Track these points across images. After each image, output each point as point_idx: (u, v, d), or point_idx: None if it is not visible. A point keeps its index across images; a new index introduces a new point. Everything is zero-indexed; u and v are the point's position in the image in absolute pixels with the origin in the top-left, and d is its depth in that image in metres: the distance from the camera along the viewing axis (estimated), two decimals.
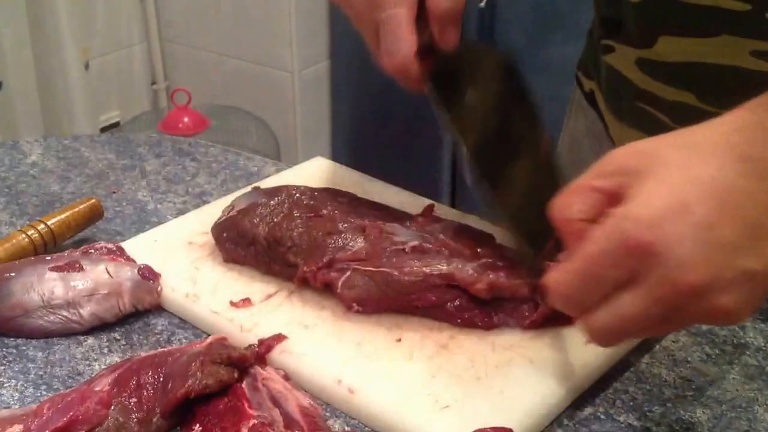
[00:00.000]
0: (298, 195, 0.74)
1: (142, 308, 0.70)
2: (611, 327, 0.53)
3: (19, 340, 0.68)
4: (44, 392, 0.62)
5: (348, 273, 0.66)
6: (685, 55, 0.75)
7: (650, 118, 0.81)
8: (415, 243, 0.67)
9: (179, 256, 0.75)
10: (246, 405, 0.57)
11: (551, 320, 0.64)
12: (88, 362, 0.65)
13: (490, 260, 0.66)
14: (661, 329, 0.58)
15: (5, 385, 0.63)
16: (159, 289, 0.70)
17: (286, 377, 0.61)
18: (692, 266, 0.50)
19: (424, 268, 0.66)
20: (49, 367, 0.65)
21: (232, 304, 0.68)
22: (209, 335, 0.65)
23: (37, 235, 0.75)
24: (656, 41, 0.76)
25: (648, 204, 0.51)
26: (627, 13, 0.80)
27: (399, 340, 0.64)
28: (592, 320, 0.53)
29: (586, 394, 0.61)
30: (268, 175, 0.89)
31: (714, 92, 0.75)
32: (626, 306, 0.52)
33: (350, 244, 0.68)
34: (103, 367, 0.64)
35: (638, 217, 0.50)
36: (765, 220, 0.51)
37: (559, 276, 0.54)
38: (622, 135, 0.87)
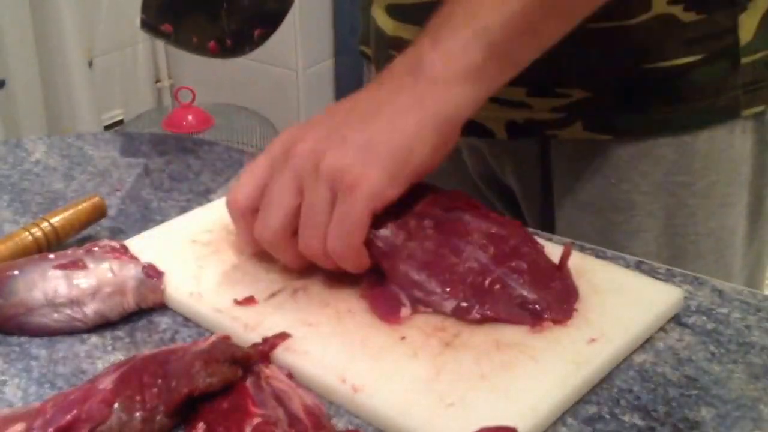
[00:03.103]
0: None
1: (146, 306, 0.70)
2: (267, 218, 0.66)
3: (23, 339, 0.68)
4: (47, 390, 0.62)
5: None
6: None
7: None
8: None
9: (183, 255, 0.75)
10: (250, 403, 0.56)
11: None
12: (91, 360, 0.65)
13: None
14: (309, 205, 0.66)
15: (8, 383, 0.63)
16: (163, 287, 0.70)
17: (290, 376, 0.61)
18: (307, 139, 0.66)
19: None
20: (52, 365, 0.65)
21: (236, 302, 0.68)
22: (213, 333, 0.65)
23: (40, 233, 0.75)
24: None
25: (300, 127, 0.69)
26: None
27: (403, 338, 0.64)
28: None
29: (591, 393, 0.61)
30: None
31: None
32: (273, 186, 0.66)
33: None
34: (106, 365, 0.64)
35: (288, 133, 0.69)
36: (371, 109, 0.67)
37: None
38: None
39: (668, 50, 0.79)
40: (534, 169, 0.89)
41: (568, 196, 0.87)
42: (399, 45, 0.87)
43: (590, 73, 0.81)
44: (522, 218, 0.93)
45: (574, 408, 0.60)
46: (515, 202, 0.94)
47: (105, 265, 0.70)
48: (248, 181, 0.68)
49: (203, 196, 0.89)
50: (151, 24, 0.86)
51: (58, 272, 0.69)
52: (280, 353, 0.63)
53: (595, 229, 0.85)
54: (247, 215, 0.68)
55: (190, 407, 0.57)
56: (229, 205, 0.69)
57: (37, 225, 0.76)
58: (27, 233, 0.75)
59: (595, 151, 0.84)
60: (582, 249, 0.76)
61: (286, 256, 0.69)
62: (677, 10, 0.77)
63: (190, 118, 2.20)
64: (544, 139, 0.86)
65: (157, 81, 2.52)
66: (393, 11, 0.87)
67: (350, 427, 0.59)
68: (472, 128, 0.86)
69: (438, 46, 0.67)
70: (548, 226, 0.88)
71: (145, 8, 0.86)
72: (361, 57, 1.02)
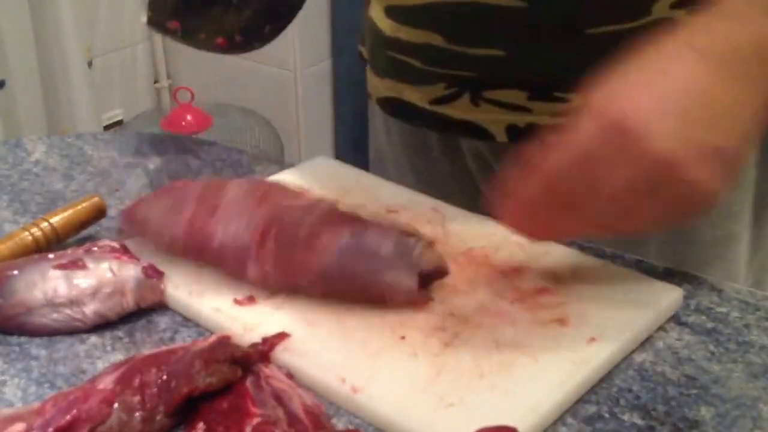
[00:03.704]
0: None
1: (146, 306, 0.70)
2: (599, 206, 0.60)
3: (23, 338, 0.68)
4: (47, 390, 0.62)
5: None
6: None
7: (401, 65, 0.88)
8: None
9: None
10: (249, 403, 0.57)
11: None
12: (91, 360, 0.65)
13: None
14: (646, 210, 0.61)
15: (8, 383, 0.63)
16: (162, 287, 0.70)
17: (290, 376, 0.61)
18: (666, 138, 0.57)
19: None
20: (52, 365, 0.65)
21: (236, 302, 0.68)
22: (213, 333, 0.65)
23: (40, 233, 0.75)
24: None
25: (620, 89, 0.59)
26: None
27: (403, 338, 0.64)
28: (580, 207, 0.60)
29: (590, 393, 0.61)
30: (272, 174, 0.89)
31: (457, 31, 0.82)
32: (613, 179, 0.58)
33: None
34: (106, 365, 0.64)
35: (612, 98, 0.59)
36: (729, 107, 0.59)
37: (548, 163, 0.61)
38: (379, 87, 0.94)
39: None
40: None
41: None
42: (398, 45, 0.87)
43: (587, 77, 0.81)
44: None
45: (573, 407, 0.60)
46: None
47: (105, 265, 0.69)
48: (578, 164, 0.60)
49: None
50: (158, 21, 0.85)
51: (58, 272, 0.69)
52: (280, 353, 0.63)
53: (599, 236, 0.85)
54: (555, 188, 0.61)
55: (190, 407, 0.57)
56: (548, 181, 0.61)
57: (37, 225, 0.76)
58: (27, 233, 0.75)
59: None
60: (582, 249, 0.76)
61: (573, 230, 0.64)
62: (681, 15, 0.77)
63: (189, 118, 2.20)
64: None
65: (156, 81, 2.51)
66: (391, 12, 0.87)
67: (350, 427, 0.59)
68: (472, 130, 0.86)
69: None
70: None
71: (152, 5, 0.85)
72: (364, 60, 1.02)
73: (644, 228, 0.63)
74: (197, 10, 0.84)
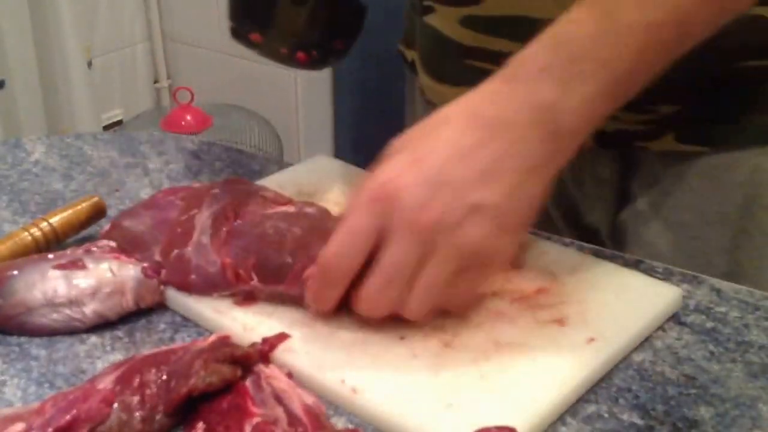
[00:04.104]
0: None
1: (145, 306, 0.70)
2: (380, 281, 0.60)
3: (22, 338, 0.68)
4: (47, 390, 0.62)
5: None
6: (513, 8, 0.78)
7: (480, 72, 0.84)
8: None
9: None
10: (249, 403, 0.57)
11: None
12: (90, 360, 0.65)
13: None
14: (431, 277, 0.61)
15: (8, 383, 0.63)
16: (162, 287, 0.70)
17: (290, 375, 0.61)
18: (425, 204, 0.59)
19: None
20: (51, 365, 0.65)
21: (236, 302, 0.68)
22: (213, 333, 0.65)
23: (39, 233, 0.75)
24: None
25: (387, 167, 0.61)
26: None
27: (402, 338, 0.64)
28: (365, 285, 0.61)
29: (590, 393, 0.61)
30: (271, 173, 0.89)
31: None
32: (387, 254, 0.60)
33: None
34: (106, 365, 0.64)
35: (378, 176, 0.61)
36: (492, 164, 0.60)
37: (327, 248, 0.62)
38: (447, 96, 0.90)
39: (753, 51, 0.76)
40: (611, 179, 0.86)
41: (650, 209, 0.84)
42: (478, 54, 0.84)
43: (675, 87, 0.75)
44: (582, 228, 0.90)
45: (573, 407, 0.60)
46: (577, 212, 0.90)
47: (104, 265, 0.70)
48: (351, 242, 0.61)
49: None
50: (240, 33, 0.83)
51: (58, 272, 0.69)
52: (280, 353, 0.63)
53: (676, 246, 0.82)
54: (347, 278, 0.62)
55: (189, 407, 0.57)
56: (328, 266, 0.62)
57: (37, 225, 0.76)
58: (26, 233, 0.75)
59: (682, 163, 0.81)
60: (581, 248, 0.76)
61: (376, 313, 0.63)
62: (765, 11, 0.74)
63: (188, 118, 2.20)
64: (631, 150, 0.82)
65: (156, 81, 2.52)
66: (469, 22, 0.83)
67: (350, 427, 0.59)
68: None
69: (569, 95, 0.61)
70: (617, 238, 0.86)
71: (234, 16, 0.82)
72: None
73: (447, 301, 0.63)
74: (273, 24, 0.82)
